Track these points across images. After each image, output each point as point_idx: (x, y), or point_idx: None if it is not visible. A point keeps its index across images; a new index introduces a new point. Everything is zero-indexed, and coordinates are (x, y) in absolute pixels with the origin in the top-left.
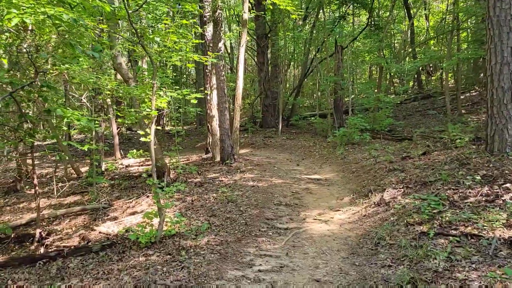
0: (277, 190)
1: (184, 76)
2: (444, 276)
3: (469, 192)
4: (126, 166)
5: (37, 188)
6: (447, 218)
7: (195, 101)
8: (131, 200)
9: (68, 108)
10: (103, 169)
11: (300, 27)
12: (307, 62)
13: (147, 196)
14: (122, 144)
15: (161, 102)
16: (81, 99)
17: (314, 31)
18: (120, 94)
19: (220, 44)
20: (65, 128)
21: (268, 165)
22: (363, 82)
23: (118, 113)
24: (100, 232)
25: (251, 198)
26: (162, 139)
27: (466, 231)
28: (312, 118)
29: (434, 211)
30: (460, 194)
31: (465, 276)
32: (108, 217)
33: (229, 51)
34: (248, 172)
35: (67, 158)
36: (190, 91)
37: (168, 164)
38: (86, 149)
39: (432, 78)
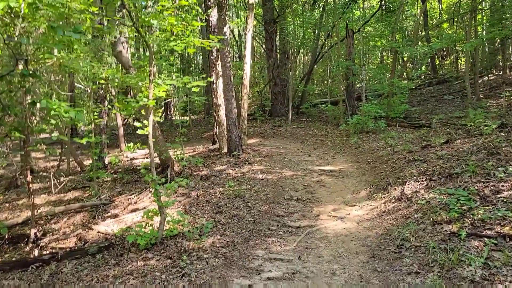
0: (287, 183)
1: (193, 65)
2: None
3: (502, 186)
4: (131, 159)
5: (30, 185)
6: (479, 216)
7: (196, 90)
8: (133, 196)
9: (55, 99)
10: (106, 162)
11: (309, 12)
12: (317, 48)
13: (150, 191)
14: (129, 135)
15: (159, 91)
16: (74, 89)
17: (324, 16)
18: (116, 83)
19: (225, 29)
20: (53, 121)
21: (278, 156)
22: (375, 67)
23: (117, 104)
24: (98, 232)
25: (260, 192)
26: (169, 130)
27: (504, 232)
28: (323, 105)
29: (464, 207)
30: (492, 188)
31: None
32: (108, 214)
33: (237, 38)
34: (256, 164)
35: (59, 152)
36: (190, 79)
37: (172, 157)
38: (85, 143)
39: (446, 62)
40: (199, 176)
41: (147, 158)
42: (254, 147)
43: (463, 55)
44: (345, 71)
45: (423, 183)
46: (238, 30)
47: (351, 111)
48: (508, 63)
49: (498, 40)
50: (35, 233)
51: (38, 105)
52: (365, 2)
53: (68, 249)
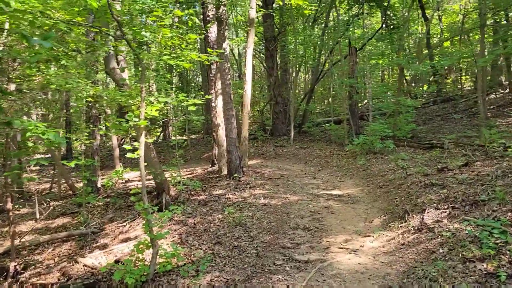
0: (292, 209)
1: (192, 84)
2: None
3: None
4: (126, 181)
5: (11, 213)
6: None
7: (193, 108)
8: (125, 223)
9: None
10: (99, 185)
11: (310, 29)
12: (318, 66)
13: (143, 219)
14: (125, 156)
15: (151, 110)
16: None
17: (326, 33)
18: (105, 101)
19: (225, 45)
20: (30, 144)
21: (281, 178)
22: (378, 85)
23: (107, 124)
24: (84, 265)
25: (262, 220)
26: (166, 150)
27: None
28: (326, 124)
29: (498, 242)
30: None
31: None
32: (97, 244)
33: (236, 57)
34: (258, 188)
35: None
36: (186, 96)
37: (168, 180)
38: (73, 165)
39: (448, 81)
40: (197, 201)
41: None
42: (256, 169)
43: (467, 73)
44: (349, 89)
45: (445, 211)
46: (238, 49)
47: (355, 131)
48: None
49: (501, 58)
50: (15, 267)
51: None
52: (366, 21)
53: (49, 287)
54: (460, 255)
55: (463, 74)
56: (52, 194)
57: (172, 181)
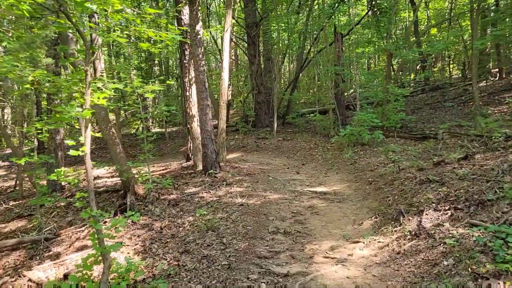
0: (272, 209)
1: (173, 72)
2: None
3: None
4: (94, 178)
5: None
6: None
7: (151, 95)
8: (83, 228)
9: None
10: (64, 183)
11: (295, 15)
12: (303, 54)
13: (105, 222)
14: (99, 149)
15: (98, 98)
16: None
17: (310, 19)
18: (47, 88)
19: (198, 27)
20: None
21: (261, 174)
22: (365, 73)
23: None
24: (30, 280)
25: (238, 223)
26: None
27: None
28: (311, 115)
29: None
30: None
31: None
32: (50, 253)
33: (219, 47)
34: (236, 185)
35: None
36: (142, 82)
37: (136, 177)
38: (23, 163)
39: (434, 69)
40: (167, 201)
41: (113, 176)
42: (234, 164)
43: (454, 61)
44: (335, 77)
45: (446, 213)
46: (221, 37)
47: (342, 121)
48: (505, 68)
49: (489, 45)
50: None
51: None
52: (350, 9)
53: None
54: (470, 269)
55: (451, 62)
56: (16, 193)
57: (140, 179)
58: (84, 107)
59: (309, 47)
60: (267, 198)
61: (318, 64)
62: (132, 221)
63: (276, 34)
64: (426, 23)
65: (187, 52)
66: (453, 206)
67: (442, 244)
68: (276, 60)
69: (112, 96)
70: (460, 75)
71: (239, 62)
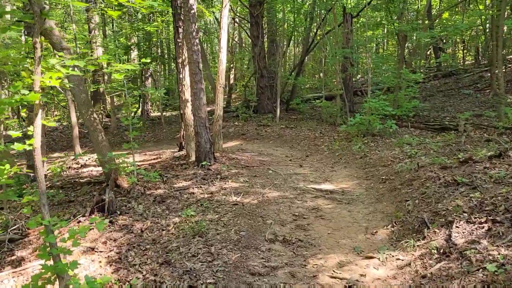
0: (271, 211)
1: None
2: None
3: None
4: (82, 166)
5: None
6: None
7: (119, 76)
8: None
9: None
10: (45, 172)
11: None
12: (309, 36)
13: (79, 222)
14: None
15: (50, 78)
16: None
17: None
18: None
19: (192, 1)
20: None
21: (260, 166)
22: (375, 57)
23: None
24: None
25: (230, 227)
26: (145, 126)
27: None
28: (317, 101)
29: None
30: None
31: None
32: (13, 258)
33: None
34: (231, 179)
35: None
36: (112, 58)
37: (120, 169)
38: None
39: (445, 54)
40: (153, 197)
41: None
42: (231, 155)
43: (465, 47)
44: (343, 60)
45: (483, 227)
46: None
47: (349, 108)
48: None
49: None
50: None
51: None
52: None
53: None
54: None
55: (464, 47)
56: None
57: (125, 171)
58: (32, 89)
59: (315, 30)
60: (265, 196)
61: (325, 46)
62: (110, 221)
63: (281, 15)
64: (438, 7)
65: (180, 30)
66: (491, 218)
67: (481, 270)
68: (280, 42)
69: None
70: (473, 61)
71: (244, 45)
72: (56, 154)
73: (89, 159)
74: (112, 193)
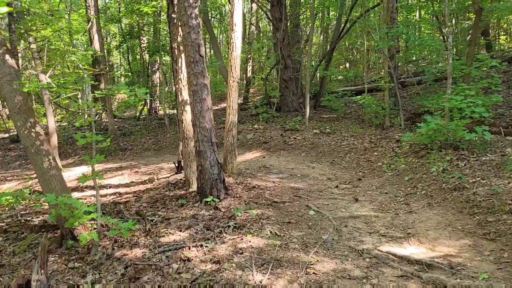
0: None
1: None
2: None
3: None
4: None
5: None
6: None
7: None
8: None
9: None
10: None
11: None
12: (341, 18)
13: None
14: (70, 144)
15: None
16: None
17: None
18: None
19: None
20: None
21: (295, 201)
22: (430, 39)
23: None
24: None
25: None
26: (150, 128)
27: None
28: (358, 97)
29: None
30: None
31: None
32: None
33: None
34: (252, 230)
35: None
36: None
37: (77, 217)
38: None
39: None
40: (123, 265)
41: (81, 190)
42: (250, 179)
43: None
44: (391, 44)
45: None
46: (242, 7)
47: (393, 105)
48: None
49: None
50: None
51: None
52: None
53: None
54: None
55: None
56: None
57: (80, 220)
58: None
59: (349, 10)
60: (311, 271)
61: (365, 28)
62: None
63: None
64: None
65: (175, 2)
66: None
67: None
68: (307, 26)
69: None
70: None
71: (261, 34)
72: (27, 172)
73: (69, 176)
74: (43, 274)
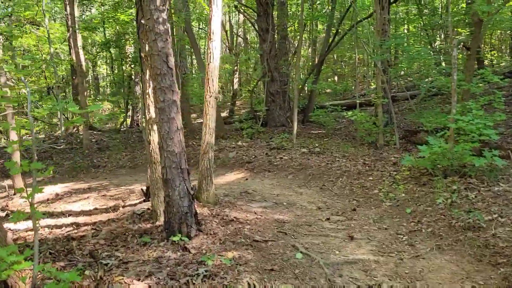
0: None
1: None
2: None
3: None
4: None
5: None
6: None
7: None
8: None
9: None
10: None
11: None
12: (330, 30)
13: None
14: (45, 158)
15: None
16: None
17: None
18: None
19: None
20: None
21: (279, 239)
22: (424, 50)
23: None
24: None
25: None
26: (129, 142)
27: None
28: (346, 112)
29: None
30: None
31: None
32: None
33: (226, 28)
34: (225, 279)
35: None
36: None
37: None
38: None
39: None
40: None
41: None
42: (228, 210)
43: None
44: (384, 56)
45: None
46: (230, 21)
47: (386, 122)
48: None
49: None
50: None
51: None
52: None
53: None
54: None
55: None
56: None
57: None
58: None
59: (339, 21)
60: None
61: (356, 40)
62: None
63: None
64: None
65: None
66: None
67: None
68: (296, 34)
69: None
70: None
71: (249, 45)
72: None
73: (38, 197)
74: None
